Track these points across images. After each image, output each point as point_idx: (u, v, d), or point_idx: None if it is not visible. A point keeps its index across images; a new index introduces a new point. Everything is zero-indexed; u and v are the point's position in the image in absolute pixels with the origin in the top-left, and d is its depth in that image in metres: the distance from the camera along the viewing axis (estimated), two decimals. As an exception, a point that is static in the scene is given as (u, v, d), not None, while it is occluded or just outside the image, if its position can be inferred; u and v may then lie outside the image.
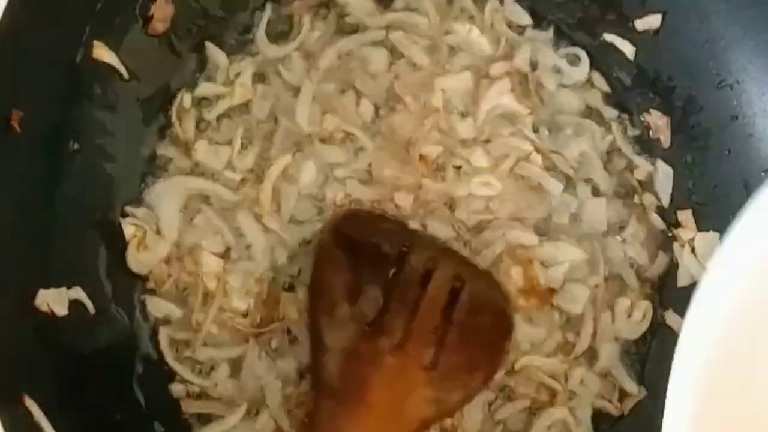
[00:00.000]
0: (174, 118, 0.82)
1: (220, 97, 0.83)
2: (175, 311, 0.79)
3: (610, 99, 0.88)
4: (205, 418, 0.78)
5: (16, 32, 0.67)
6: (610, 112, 0.87)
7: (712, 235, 0.83)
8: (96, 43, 0.76)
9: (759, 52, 0.83)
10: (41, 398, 0.65)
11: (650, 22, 0.87)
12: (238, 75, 0.83)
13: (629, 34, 0.88)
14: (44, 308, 0.70)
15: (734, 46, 0.84)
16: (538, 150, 0.83)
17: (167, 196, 0.80)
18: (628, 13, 0.87)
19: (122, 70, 0.79)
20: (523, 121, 0.84)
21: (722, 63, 0.84)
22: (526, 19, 0.87)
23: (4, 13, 0.66)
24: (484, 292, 0.75)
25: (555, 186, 0.82)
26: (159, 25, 0.81)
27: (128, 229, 0.79)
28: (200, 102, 0.84)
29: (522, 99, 0.84)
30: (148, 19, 0.81)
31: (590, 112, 0.87)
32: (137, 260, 0.79)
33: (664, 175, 0.86)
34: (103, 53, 0.77)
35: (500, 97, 0.84)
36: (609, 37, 0.88)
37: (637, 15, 0.87)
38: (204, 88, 0.83)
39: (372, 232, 0.75)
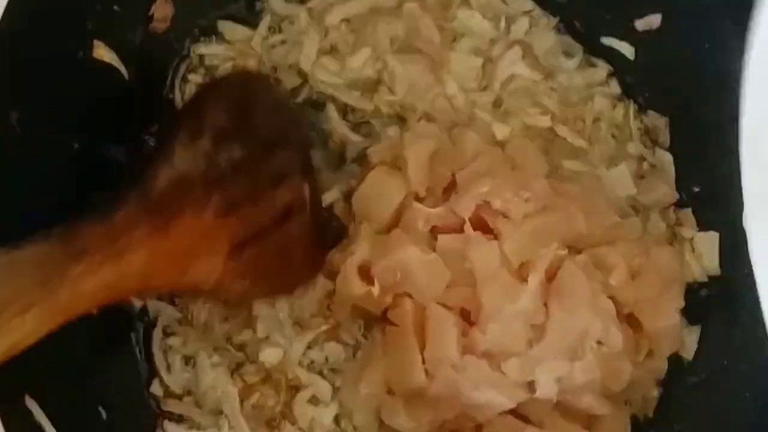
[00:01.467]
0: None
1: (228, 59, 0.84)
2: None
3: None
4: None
5: (16, 32, 0.67)
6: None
7: (711, 235, 0.84)
8: (96, 42, 0.76)
9: (759, 52, 0.83)
10: (41, 398, 0.65)
11: (650, 21, 0.87)
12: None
13: (629, 34, 0.88)
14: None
15: (734, 46, 0.83)
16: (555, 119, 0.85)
17: None
18: (627, 13, 0.87)
19: (122, 69, 0.79)
20: (540, 92, 0.86)
21: (722, 63, 0.84)
22: (528, 4, 0.88)
23: (4, 13, 0.66)
24: (297, 239, 0.73)
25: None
26: (159, 25, 0.82)
27: None
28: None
29: (535, 65, 0.86)
30: (148, 19, 0.81)
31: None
32: None
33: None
34: (103, 53, 0.77)
35: (513, 65, 0.85)
36: (607, 40, 0.89)
37: (637, 15, 0.87)
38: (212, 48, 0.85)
39: (273, 108, 0.75)
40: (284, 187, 0.72)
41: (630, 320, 0.78)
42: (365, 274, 0.76)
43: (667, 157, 0.87)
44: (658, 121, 0.88)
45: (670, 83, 0.87)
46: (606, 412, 0.75)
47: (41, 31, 0.70)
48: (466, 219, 0.75)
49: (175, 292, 0.67)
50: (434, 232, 0.77)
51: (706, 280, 0.83)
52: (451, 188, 0.79)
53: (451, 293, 0.75)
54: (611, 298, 0.76)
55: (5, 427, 0.60)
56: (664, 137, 0.87)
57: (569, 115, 0.86)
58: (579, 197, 0.79)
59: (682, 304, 0.80)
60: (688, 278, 0.83)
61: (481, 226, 0.76)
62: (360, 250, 0.76)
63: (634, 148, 0.87)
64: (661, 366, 0.80)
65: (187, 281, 0.65)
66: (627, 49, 0.88)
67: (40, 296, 0.55)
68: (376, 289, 0.75)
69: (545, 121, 0.85)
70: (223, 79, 0.75)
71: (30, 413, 0.64)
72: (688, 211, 0.86)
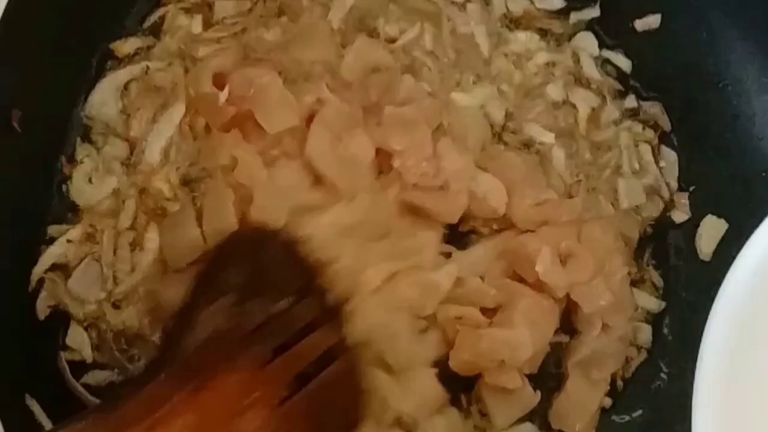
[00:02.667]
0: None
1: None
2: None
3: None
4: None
5: (17, 32, 0.67)
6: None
7: (720, 222, 0.83)
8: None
9: (759, 52, 0.83)
10: (41, 398, 0.65)
11: (650, 22, 0.87)
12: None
13: (628, 35, 0.88)
14: (45, 312, 0.71)
15: (734, 46, 0.84)
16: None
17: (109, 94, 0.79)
18: (626, 14, 0.88)
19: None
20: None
21: (722, 63, 0.85)
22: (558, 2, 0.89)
23: (5, 13, 0.66)
24: (346, 382, 0.71)
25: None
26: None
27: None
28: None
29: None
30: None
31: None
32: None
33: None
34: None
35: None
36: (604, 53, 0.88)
37: (636, 16, 0.87)
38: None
39: (287, 258, 0.72)
40: (321, 331, 0.69)
41: (569, 303, 0.78)
42: (220, 84, 0.76)
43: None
44: (653, 108, 0.87)
45: (670, 83, 0.87)
46: (513, 386, 0.75)
47: (41, 30, 0.71)
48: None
49: None
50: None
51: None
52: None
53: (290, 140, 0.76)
54: (539, 283, 0.75)
55: (5, 427, 0.60)
56: (664, 121, 0.87)
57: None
58: (516, 166, 0.80)
59: (626, 271, 0.80)
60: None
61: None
62: (224, 57, 0.77)
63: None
64: (624, 330, 0.80)
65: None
66: (624, 62, 0.88)
67: None
68: (224, 94, 0.74)
69: (549, 137, 0.84)
70: (230, 238, 0.72)
71: (29, 413, 0.64)
72: (684, 194, 0.85)
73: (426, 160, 0.76)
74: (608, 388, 0.80)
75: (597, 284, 0.77)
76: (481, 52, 0.85)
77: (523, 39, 0.87)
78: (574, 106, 0.86)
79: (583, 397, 0.78)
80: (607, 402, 0.80)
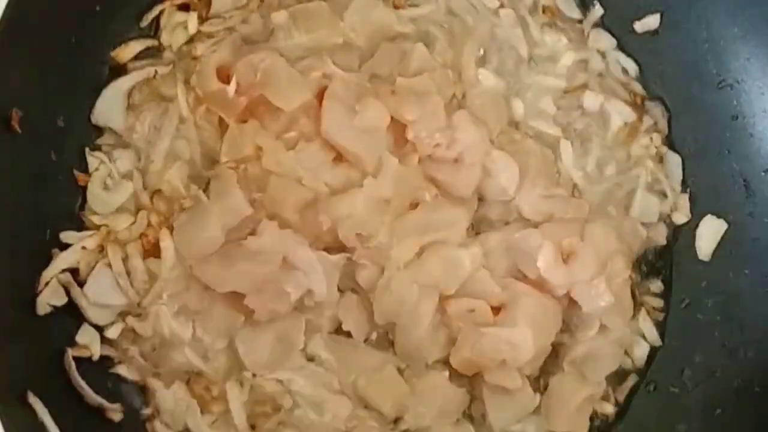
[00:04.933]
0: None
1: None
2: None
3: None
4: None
5: (16, 32, 0.67)
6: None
7: (719, 222, 0.84)
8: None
9: (759, 52, 0.83)
10: (42, 396, 0.65)
11: (649, 23, 0.87)
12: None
13: (628, 36, 0.88)
14: (45, 310, 0.71)
15: (734, 46, 0.84)
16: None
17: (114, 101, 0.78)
18: (626, 15, 0.88)
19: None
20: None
21: (722, 63, 0.85)
22: (576, 13, 0.89)
23: (4, 13, 0.66)
24: None
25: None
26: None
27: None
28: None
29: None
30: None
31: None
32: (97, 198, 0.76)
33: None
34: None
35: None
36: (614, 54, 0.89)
37: (636, 17, 0.87)
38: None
39: None
40: None
41: (569, 301, 0.78)
42: (225, 77, 0.75)
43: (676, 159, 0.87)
44: (655, 109, 0.88)
45: (670, 83, 0.87)
46: (513, 386, 0.75)
47: (41, 31, 0.70)
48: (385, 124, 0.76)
49: None
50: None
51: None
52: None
53: (306, 119, 0.76)
54: (541, 280, 0.75)
55: (5, 426, 0.60)
56: (663, 124, 0.87)
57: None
58: (534, 153, 0.80)
59: (627, 274, 0.80)
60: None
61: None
62: (222, 50, 0.76)
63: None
64: (622, 333, 0.80)
65: None
66: (631, 66, 0.89)
67: None
68: (231, 87, 0.74)
69: (556, 131, 0.84)
70: None
71: (28, 413, 0.64)
72: (686, 195, 0.86)
73: (439, 131, 0.76)
74: (602, 391, 0.80)
75: (598, 284, 0.77)
76: (520, 54, 0.85)
77: (550, 40, 0.87)
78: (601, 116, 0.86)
79: (566, 393, 0.78)
80: (609, 410, 0.81)
